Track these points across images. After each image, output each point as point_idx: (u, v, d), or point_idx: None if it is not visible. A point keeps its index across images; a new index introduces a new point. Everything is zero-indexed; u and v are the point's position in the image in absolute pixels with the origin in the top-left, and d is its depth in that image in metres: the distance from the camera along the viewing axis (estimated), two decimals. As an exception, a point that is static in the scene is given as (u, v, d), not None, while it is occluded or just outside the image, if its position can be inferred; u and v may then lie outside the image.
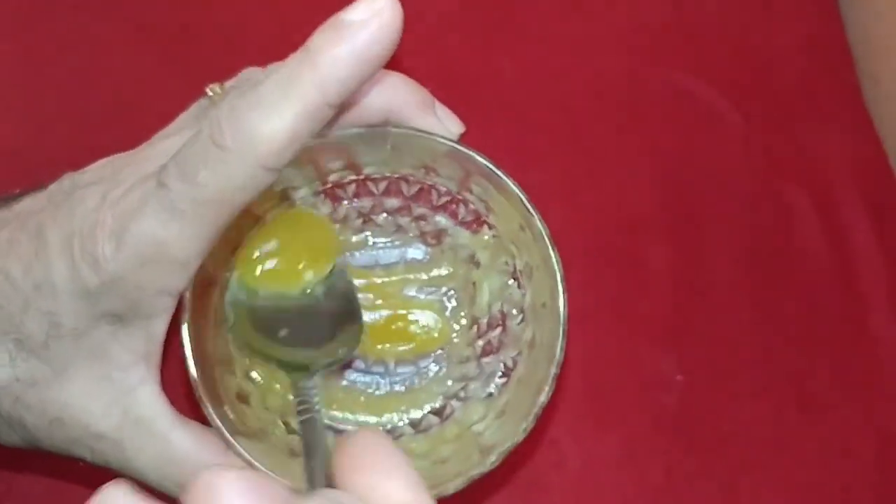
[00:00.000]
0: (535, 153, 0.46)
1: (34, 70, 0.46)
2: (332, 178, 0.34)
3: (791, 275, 0.43)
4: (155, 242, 0.27)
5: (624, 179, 0.45)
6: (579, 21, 0.49)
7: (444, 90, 0.47)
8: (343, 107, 0.28)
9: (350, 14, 0.26)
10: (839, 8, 0.51)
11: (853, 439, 0.40)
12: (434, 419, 0.34)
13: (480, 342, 0.35)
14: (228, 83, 0.31)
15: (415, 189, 0.35)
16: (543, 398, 0.30)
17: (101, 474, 0.38)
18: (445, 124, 0.32)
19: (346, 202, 0.35)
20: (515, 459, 0.34)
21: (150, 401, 0.29)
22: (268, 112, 0.26)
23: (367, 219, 0.36)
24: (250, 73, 0.33)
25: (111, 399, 0.29)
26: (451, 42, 0.48)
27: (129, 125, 0.45)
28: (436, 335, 0.36)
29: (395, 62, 0.48)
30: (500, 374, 0.34)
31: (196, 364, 0.29)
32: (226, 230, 0.28)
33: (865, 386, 0.41)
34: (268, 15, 0.49)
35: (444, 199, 0.35)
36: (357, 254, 0.36)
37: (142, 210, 0.27)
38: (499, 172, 0.31)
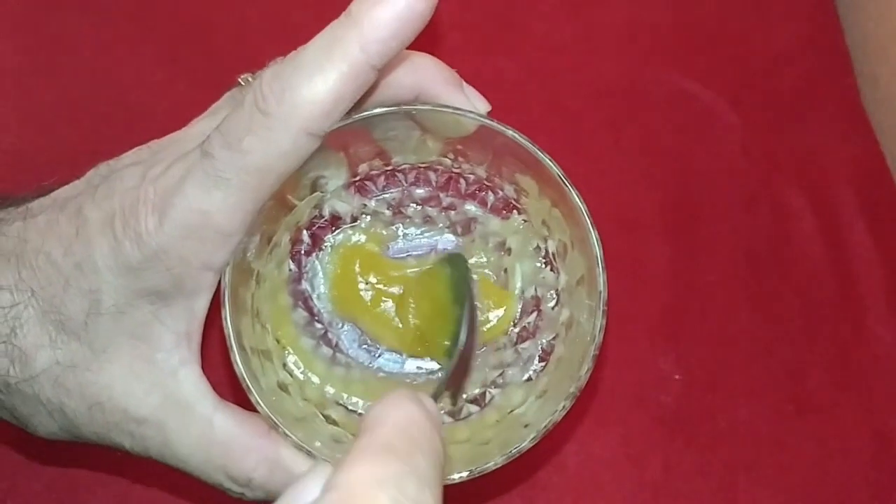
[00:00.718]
0: (534, 154, 0.46)
1: (37, 71, 0.46)
2: (362, 168, 0.34)
3: (788, 275, 0.43)
4: (199, 212, 0.27)
5: (623, 180, 0.45)
6: (579, 23, 0.49)
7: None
8: (377, 83, 0.28)
9: None
10: (837, 10, 0.51)
11: (850, 438, 0.40)
12: (474, 407, 0.33)
13: (516, 328, 0.34)
14: (260, 72, 0.30)
15: (443, 178, 0.35)
16: (583, 376, 0.29)
17: (103, 475, 0.38)
18: (473, 102, 0.32)
19: (375, 194, 0.35)
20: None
21: (193, 382, 0.29)
22: (312, 74, 0.26)
23: (396, 210, 0.35)
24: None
25: (152, 381, 0.29)
26: (451, 42, 0.48)
27: (132, 126, 0.46)
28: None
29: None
30: (538, 358, 0.33)
31: (237, 343, 0.29)
32: (263, 221, 0.28)
33: (862, 385, 0.42)
34: (271, 18, 0.49)
35: (473, 187, 0.35)
36: (389, 246, 0.35)
37: (185, 181, 0.27)
38: (530, 146, 0.31)
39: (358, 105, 0.28)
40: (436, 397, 0.28)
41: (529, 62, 0.48)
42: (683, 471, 0.39)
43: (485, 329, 0.34)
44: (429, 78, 0.31)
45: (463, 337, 0.30)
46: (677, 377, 0.41)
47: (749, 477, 0.40)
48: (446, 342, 0.32)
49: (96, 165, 0.31)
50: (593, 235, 0.30)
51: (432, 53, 0.48)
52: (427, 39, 0.48)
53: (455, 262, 0.33)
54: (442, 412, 0.33)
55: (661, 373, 0.41)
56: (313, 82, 0.26)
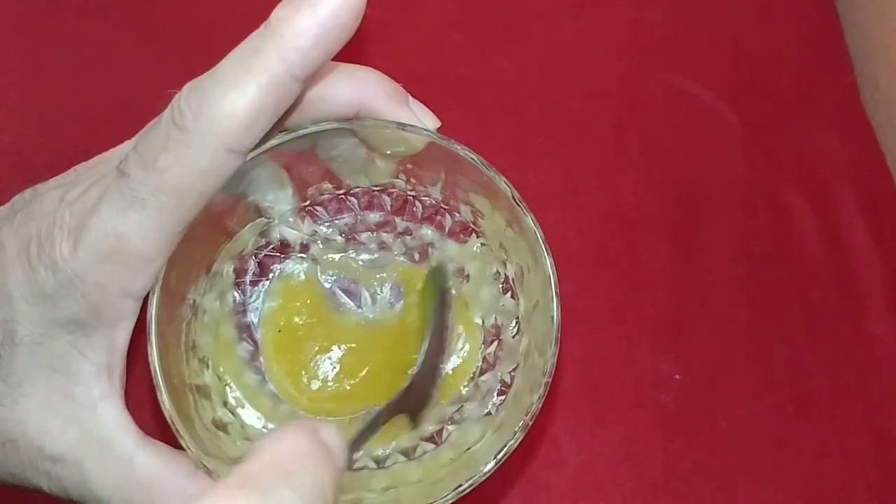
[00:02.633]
0: (534, 154, 0.46)
1: (36, 71, 0.46)
2: (311, 192, 0.32)
3: (788, 275, 0.43)
4: (115, 235, 0.25)
5: (622, 180, 0.45)
6: (579, 23, 0.49)
7: (445, 90, 0.48)
8: (301, 97, 0.27)
9: None
10: (837, 10, 0.51)
11: (850, 438, 0.40)
12: (429, 445, 0.31)
13: (478, 361, 0.33)
14: None
15: (398, 202, 0.33)
16: (535, 406, 0.28)
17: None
18: (420, 117, 0.30)
19: (326, 220, 0.33)
20: (514, 458, 0.34)
21: (113, 418, 0.27)
22: (230, 86, 0.25)
23: (349, 237, 0.33)
24: None
25: (70, 416, 0.27)
26: (451, 43, 0.48)
27: (131, 127, 0.45)
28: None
29: (397, 62, 0.48)
30: (497, 391, 0.31)
31: (164, 379, 0.27)
32: (197, 248, 0.27)
33: (862, 385, 0.42)
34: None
35: (429, 210, 0.33)
36: (341, 275, 0.33)
37: (101, 203, 0.25)
38: (482, 164, 0.29)
39: (285, 119, 0.27)
40: (371, 429, 0.27)
41: (529, 62, 0.48)
42: (683, 470, 0.39)
43: (450, 371, 0.33)
44: (370, 92, 0.29)
45: (421, 361, 0.29)
46: (677, 377, 0.41)
47: (749, 477, 0.40)
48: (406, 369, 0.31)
49: (23, 191, 0.29)
50: (546, 258, 0.29)
51: (434, 53, 0.48)
52: (428, 40, 0.48)
53: (433, 278, 0.31)
54: (392, 453, 0.32)
55: (660, 373, 0.41)
56: (231, 95, 0.25)
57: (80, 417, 0.27)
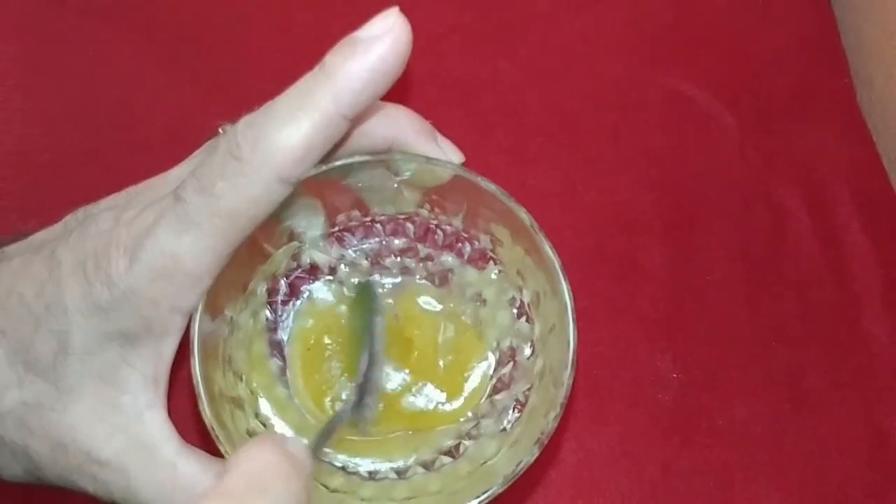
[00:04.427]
0: (533, 155, 0.46)
1: (39, 73, 0.46)
2: (340, 219, 0.34)
3: (785, 274, 0.44)
4: (169, 255, 0.27)
5: (620, 181, 0.46)
6: (577, 25, 0.50)
7: (444, 93, 0.48)
8: (349, 133, 0.29)
9: (364, 31, 0.27)
10: (833, 12, 0.51)
11: (847, 436, 0.41)
12: (446, 459, 0.33)
13: (492, 380, 0.34)
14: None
15: (421, 229, 0.35)
16: (550, 425, 0.29)
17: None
18: (447, 152, 0.32)
19: (353, 245, 0.35)
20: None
21: (158, 426, 0.29)
22: (285, 122, 0.26)
23: (374, 261, 0.35)
24: None
25: (117, 423, 0.28)
26: (450, 44, 0.49)
27: (134, 128, 0.46)
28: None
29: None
30: (512, 409, 0.33)
31: (205, 390, 0.29)
32: (236, 268, 0.28)
33: (859, 384, 0.42)
34: (273, 20, 0.49)
35: (450, 238, 0.35)
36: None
37: (157, 224, 0.27)
38: (501, 194, 0.31)
39: (332, 154, 0.29)
40: (319, 443, 0.28)
41: (527, 64, 0.48)
42: (681, 469, 0.40)
43: (449, 409, 0.34)
44: (402, 128, 0.31)
45: (361, 370, 0.30)
46: (675, 376, 0.41)
47: (746, 475, 0.40)
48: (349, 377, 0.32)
49: (74, 211, 0.31)
50: (564, 285, 0.30)
51: (433, 55, 0.49)
52: (427, 42, 0.49)
53: (364, 292, 0.33)
54: (412, 464, 0.33)
55: (658, 371, 0.41)
56: (286, 130, 0.26)
57: (126, 425, 0.28)
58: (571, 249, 0.43)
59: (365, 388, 0.31)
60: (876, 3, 0.48)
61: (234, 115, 0.46)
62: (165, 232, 0.27)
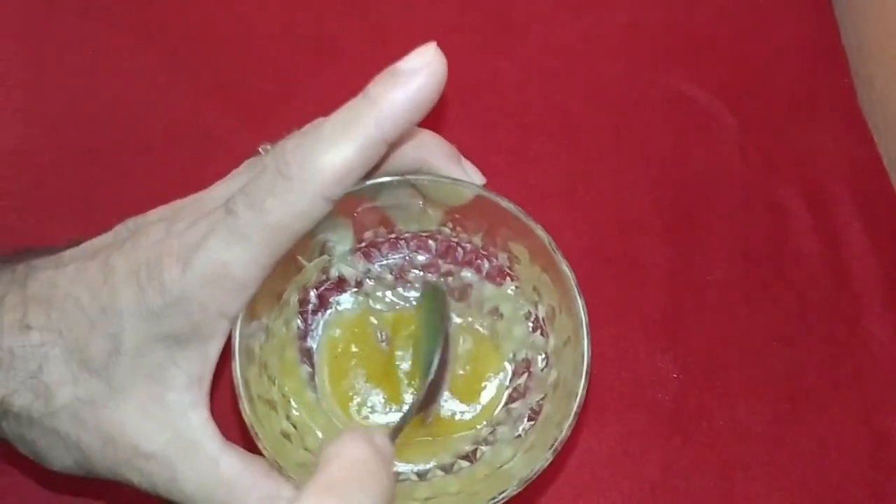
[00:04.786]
0: (533, 155, 0.46)
1: (40, 73, 0.46)
2: (367, 235, 0.36)
3: (785, 274, 0.44)
4: (220, 264, 0.29)
5: (621, 181, 0.46)
6: (577, 25, 0.50)
7: (444, 92, 0.48)
8: (387, 156, 0.31)
9: (405, 64, 0.29)
10: (834, 12, 0.51)
11: (847, 436, 0.41)
12: (464, 463, 0.35)
13: (508, 389, 0.36)
14: (277, 143, 0.33)
15: (442, 246, 0.37)
16: (564, 433, 0.31)
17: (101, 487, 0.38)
18: (470, 174, 0.35)
19: (379, 260, 0.37)
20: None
21: (201, 423, 0.31)
22: (330, 145, 0.29)
23: (398, 276, 0.37)
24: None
25: (163, 420, 0.30)
26: (450, 45, 0.48)
27: (135, 128, 0.46)
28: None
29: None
30: (527, 416, 0.35)
31: (244, 391, 0.31)
32: (273, 279, 0.30)
33: (859, 384, 0.42)
34: (273, 21, 0.49)
35: (470, 255, 0.37)
36: (389, 313, 0.37)
37: (209, 235, 0.29)
38: (522, 215, 0.33)
39: (369, 175, 0.31)
40: (395, 433, 0.30)
41: (528, 64, 0.48)
42: (681, 469, 0.40)
43: (467, 417, 0.36)
44: (431, 151, 0.34)
45: (434, 367, 0.32)
46: (675, 376, 0.41)
47: (746, 475, 0.40)
48: (418, 373, 0.34)
49: (124, 221, 0.33)
50: (579, 301, 0.32)
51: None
52: (427, 42, 0.49)
53: (434, 295, 0.35)
54: (431, 468, 0.35)
55: (658, 371, 0.41)
56: (331, 152, 0.29)
57: (172, 421, 0.31)
58: (571, 249, 0.43)
59: (436, 385, 0.32)
60: (876, 3, 0.48)
61: (233, 115, 0.46)
62: (217, 242, 0.29)
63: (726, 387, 0.41)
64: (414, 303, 0.37)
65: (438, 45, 0.29)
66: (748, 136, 0.47)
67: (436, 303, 0.34)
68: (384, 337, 0.37)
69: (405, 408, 0.35)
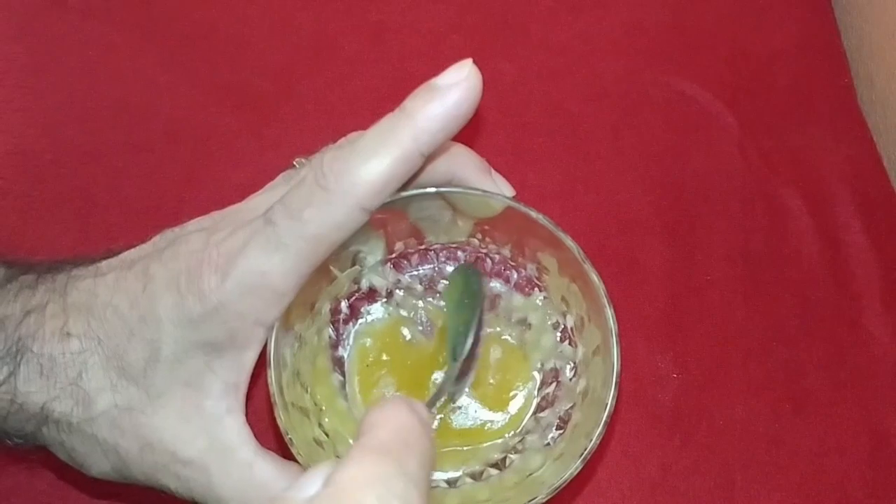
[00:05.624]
0: (533, 154, 0.46)
1: (41, 73, 0.46)
2: (398, 246, 0.37)
3: (785, 274, 0.44)
4: (259, 272, 0.29)
5: (620, 181, 0.46)
6: (577, 25, 0.50)
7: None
8: (422, 169, 0.32)
9: (442, 79, 0.30)
10: (834, 12, 0.51)
11: (847, 436, 0.41)
12: (493, 471, 0.35)
13: (536, 398, 0.36)
14: (312, 156, 0.34)
15: (471, 257, 0.37)
16: (595, 440, 0.31)
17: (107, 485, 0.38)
18: (500, 186, 0.35)
19: (409, 271, 0.38)
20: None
21: (237, 430, 0.31)
22: (368, 157, 0.29)
23: (428, 286, 0.38)
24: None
25: (200, 426, 0.31)
26: (450, 45, 0.49)
27: (135, 128, 0.46)
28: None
29: (396, 64, 0.49)
30: (556, 425, 0.35)
31: (281, 402, 0.31)
32: (307, 288, 0.31)
33: (859, 384, 0.42)
34: (272, 21, 0.49)
35: (499, 265, 0.37)
36: (418, 323, 0.37)
37: (249, 244, 0.30)
38: (552, 226, 0.33)
39: (402, 187, 0.31)
40: (432, 403, 0.30)
41: (528, 64, 0.48)
42: (681, 469, 0.40)
43: (496, 426, 0.36)
44: (462, 164, 0.34)
45: (469, 343, 0.32)
46: (675, 376, 0.41)
47: (746, 475, 0.40)
48: (451, 347, 0.34)
49: (162, 231, 0.33)
50: (609, 311, 0.32)
51: (433, 56, 0.49)
52: (427, 42, 0.49)
53: (467, 273, 0.35)
54: (461, 475, 0.35)
55: (658, 371, 0.41)
56: (369, 164, 0.29)
57: (208, 428, 0.31)
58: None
59: (469, 363, 0.33)
60: (876, 3, 0.48)
61: (233, 115, 0.46)
62: (256, 251, 0.30)
63: (726, 387, 0.41)
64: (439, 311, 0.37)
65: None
66: (748, 135, 0.47)
67: (469, 280, 0.34)
68: (427, 328, 0.37)
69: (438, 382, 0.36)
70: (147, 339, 0.30)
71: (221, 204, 0.34)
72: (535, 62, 0.49)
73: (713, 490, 0.39)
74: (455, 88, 0.29)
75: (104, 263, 0.33)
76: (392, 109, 0.47)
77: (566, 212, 0.45)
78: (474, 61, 0.30)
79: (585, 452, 0.31)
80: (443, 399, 0.32)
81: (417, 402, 0.26)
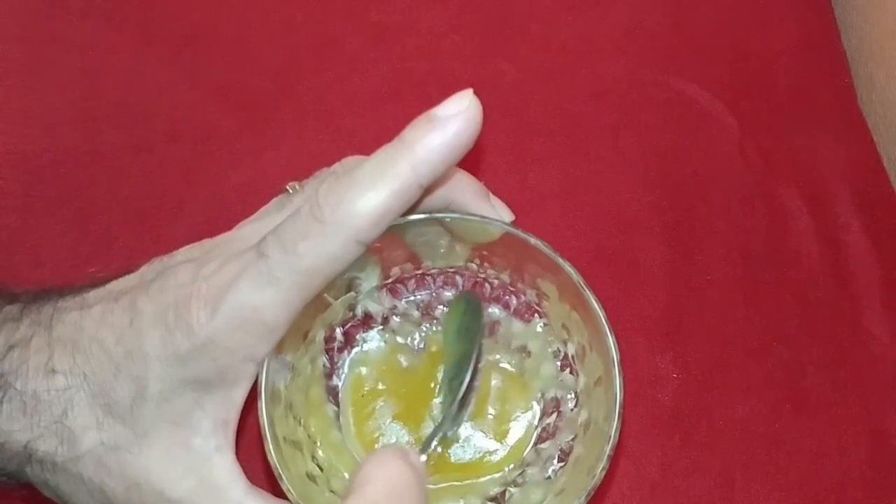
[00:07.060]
0: (533, 155, 0.46)
1: (39, 73, 0.46)
2: (394, 271, 0.36)
3: (785, 274, 0.44)
4: (250, 307, 0.29)
5: (621, 180, 0.46)
6: (578, 25, 0.50)
7: (444, 93, 0.48)
8: (421, 200, 0.31)
9: (441, 110, 0.29)
10: (834, 13, 0.51)
11: (847, 436, 0.41)
12: None
13: (537, 429, 0.35)
14: (305, 181, 0.33)
15: (469, 282, 0.37)
16: (598, 475, 0.30)
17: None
18: (499, 212, 0.35)
19: (405, 296, 0.37)
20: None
21: (226, 468, 0.30)
22: (365, 189, 0.28)
23: (425, 312, 0.37)
24: (326, 171, 0.35)
25: (188, 465, 0.30)
26: (450, 45, 0.49)
27: (135, 128, 0.46)
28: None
29: (397, 64, 0.49)
30: (557, 458, 0.34)
31: (270, 433, 0.30)
32: (300, 317, 0.30)
33: (859, 384, 0.42)
34: (272, 21, 0.49)
35: (497, 291, 0.36)
36: (414, 350, 0.37)
37: (240, 278, 0.29)
38: (551, 252, 0.33)
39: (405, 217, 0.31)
40: (427, 445, 0.30)
41: (528, 64, 0.48)
42: (681, 469, 0.40)
43: (495, 459, 0.35)
44: (460, 189, 0.34)
45: (466, 380, 0.31)
46: (675, 376, 0.41)
47: (746, 475, 0.40)
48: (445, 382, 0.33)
49: (150, 261, 0.33)
50: (611, 340, 0.31)
51: (433, 55, 0.49)
52: (428, 42, 0.49)
53: (467, 301, 0.34)
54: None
55: (658, 371, 0.41)
56: (366, 196, 0.28)
57: (197, 467, 0.30)
58: (571, 249, 0.43)
59: (465, 399, 0.32)
60: (876, 3, 0.48)
61: (233, 115, 0.46)
62: (248, 285, 0.29)
63: (726, 387, 0.41)
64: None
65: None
66: (748, 135, 0.47)
67: (469, 308, 0.34)
68: (425, 355, 0.36)
69: (432, 424, 0.35)
70: (134, 376, 0.30)
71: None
72: (535, 62, 0.49)
73: (713, 490, 0.39)
74: (455, 119, 0.29)
75: (91, 294, 0.32)
76: (392, 109, 0.47)
77: (566, 212, 0.45)
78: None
79: (590, 489, 0.30)
80: (438, 440, 0.31)
81: (411, 450, 0.26)
